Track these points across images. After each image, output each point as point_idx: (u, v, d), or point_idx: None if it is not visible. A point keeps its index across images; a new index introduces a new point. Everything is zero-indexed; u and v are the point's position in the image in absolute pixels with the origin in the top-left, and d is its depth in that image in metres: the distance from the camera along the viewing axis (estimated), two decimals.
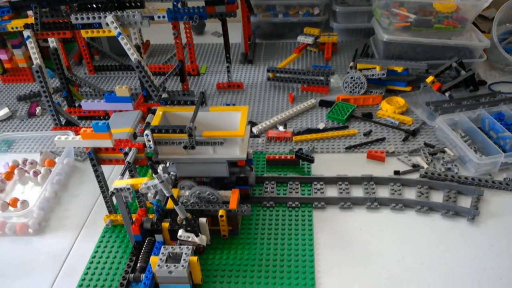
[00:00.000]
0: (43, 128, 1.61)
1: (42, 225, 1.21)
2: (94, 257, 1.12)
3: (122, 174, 1.03)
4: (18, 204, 1.24)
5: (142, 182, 1.00)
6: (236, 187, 1.17)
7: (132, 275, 1.02)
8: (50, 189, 1.28)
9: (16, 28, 1.37)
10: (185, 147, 1.11)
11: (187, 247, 1.00)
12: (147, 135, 1.10)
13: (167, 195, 1.00)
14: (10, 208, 1.25)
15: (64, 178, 1.35)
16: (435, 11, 1.67)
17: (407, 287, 1.01)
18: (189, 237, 1.04)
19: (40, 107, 1.68)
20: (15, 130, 1.61)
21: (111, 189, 1.00)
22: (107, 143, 1.07)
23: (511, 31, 1.82)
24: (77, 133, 1.48)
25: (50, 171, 1.35)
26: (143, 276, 1.01)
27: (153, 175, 0.96)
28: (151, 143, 1.11)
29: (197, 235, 1.04)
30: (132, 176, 1.07)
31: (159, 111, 1.20)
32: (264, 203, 1.22)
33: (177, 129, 1.11)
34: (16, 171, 1.36)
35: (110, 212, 1.20)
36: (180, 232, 1.04)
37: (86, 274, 1.08)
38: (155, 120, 1.16)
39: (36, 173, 1.35)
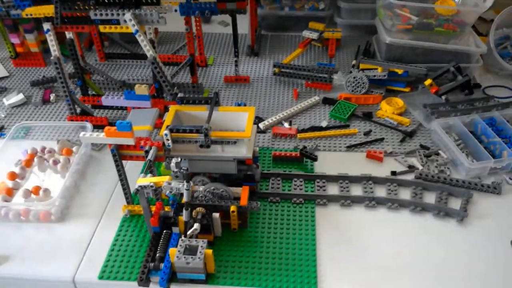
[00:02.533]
0: (58, 115, 1.67)
1: (64, 212, 1.30)
2: (114, 245, 1.21)
3: (145, 172, 1.11)
4: (41, 192, 1.32)
5: (163, 180, 1.10)
6: (244, 183, 1.27)
7: (152, 264, 1.12)
8: (70, 178, 1.36)
9: (30, 15, 1.42)
10: (201, 146, 1.20)
11: (202, 241, 1.10)
12: (166, 134, 1.18)
13: (185, 200, 1.12)
14: (32, 195, 1.33)
15: (82, 167, 1.43)
16: (437, 14, 1.74)
17: (401, 280, 1.12)
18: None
19: (54, 94, 1.74)
20: (30, 116, 1.67)
21: (135, 186, 1.09)
22: (129, 141, 1.15)
23: (507, 36, 1.90)
24: (92, 122, 1.55)
25: (68, 159, 1.43)
26: (162, 265, 1.11)
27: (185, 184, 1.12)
28: (169, 141, 1.19)
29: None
30: (151, 172, 1.16)
31: (172, 109, 1.27)
32: (271, 199, 1.32)
33: (194, 129, 1.18)
34: (35, 159, 1.43)
35: (128, 202, 1.29)
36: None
37: (108, 261, 1.17)
38: (167, 119, 1.23)
39: (55, 162, 1.42)
